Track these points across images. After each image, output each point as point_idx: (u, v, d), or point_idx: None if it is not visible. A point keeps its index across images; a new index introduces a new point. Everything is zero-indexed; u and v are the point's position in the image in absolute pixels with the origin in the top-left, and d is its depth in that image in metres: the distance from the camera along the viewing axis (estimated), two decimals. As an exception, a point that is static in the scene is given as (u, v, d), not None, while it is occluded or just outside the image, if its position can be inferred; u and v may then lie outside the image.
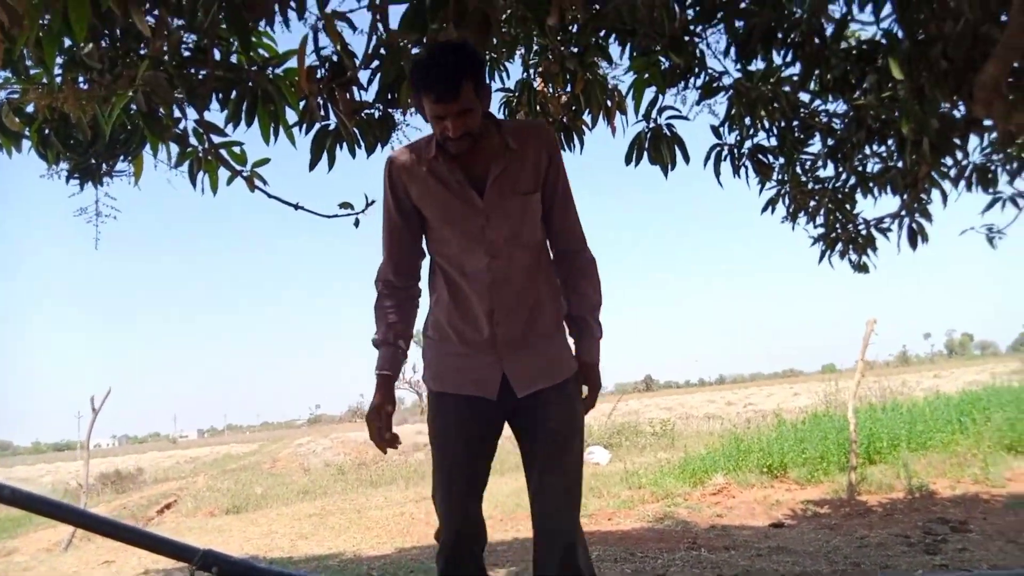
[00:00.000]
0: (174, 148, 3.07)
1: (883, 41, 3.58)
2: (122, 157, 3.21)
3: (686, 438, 15.14)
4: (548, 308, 2.14)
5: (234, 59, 2.91)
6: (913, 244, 4.73)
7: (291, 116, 2.91)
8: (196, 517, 9.90)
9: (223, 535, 4.48)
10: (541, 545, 2.06)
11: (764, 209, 4.89)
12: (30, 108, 2.83)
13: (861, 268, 5.11)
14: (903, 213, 4.72)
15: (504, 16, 3.12)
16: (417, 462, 15.38)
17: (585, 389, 2.20)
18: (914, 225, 4.71)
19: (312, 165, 3.04)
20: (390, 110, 3.09)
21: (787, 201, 4.86)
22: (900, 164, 4.31)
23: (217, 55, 2.81)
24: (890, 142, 4.25)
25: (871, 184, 4.59)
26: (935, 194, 4.44)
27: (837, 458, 8.45)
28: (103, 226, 3.23)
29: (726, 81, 3.83)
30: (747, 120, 3.95)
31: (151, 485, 18.18)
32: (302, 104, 2.89)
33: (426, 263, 2.21)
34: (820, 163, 4.58)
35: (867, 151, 4.42)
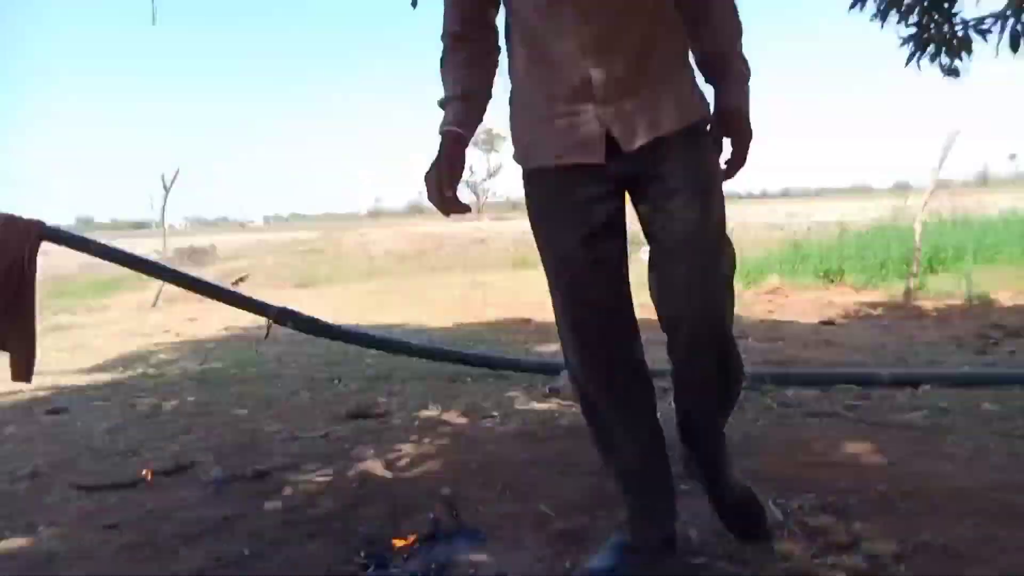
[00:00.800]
0: None
1: None
2: None
3: (743, 244, 15.10)
4: (662, 46, 1.68)
5: None
6: (1015, 47, 4.31)
7: None
8: (267, 289, 10.53)
9: (293, 305, 4.82)
10: (674, 355, 1.77)
11: (852, 6, 4.62)
12: None
13: (951, 72, 4.76)
14: (1008, 13, 4.26)
15: None
16: (478, 253, 15.87)
17: (728, 143, 1.77)
18: (1019, 27, 4.27)
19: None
20: None
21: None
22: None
23: None
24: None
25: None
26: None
27: (898, 266, 8.36)
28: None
29: None
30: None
31: (223, 261, 19.23)
32: None
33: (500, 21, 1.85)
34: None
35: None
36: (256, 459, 2.87)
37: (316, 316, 4.34)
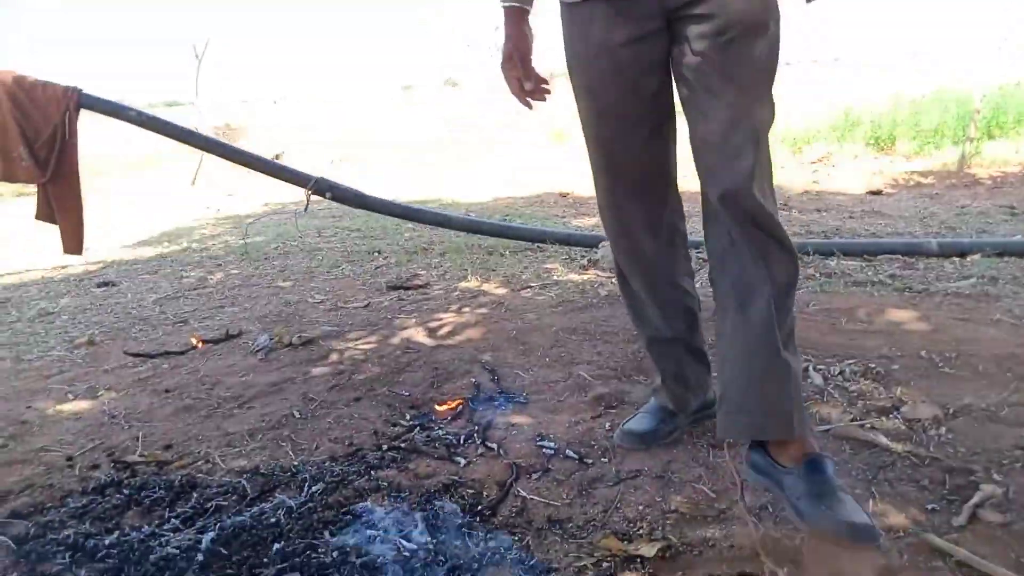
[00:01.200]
0: None
1: None
2: None
3: (787, 107, 14.47)
4: None
5: None
6: None
7: None
8: (304, 164, 10.52)
9: (332, 177, 4.87)
10: (705, 205, 1.59)
11: None
12: None
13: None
14: None
15: None
16: (515, 125, 15.46)
17: None
18: None
19: None
20: None
21: None
22: None
23: None
24: None
25: None
26: None
27: (953, 132, 7.96)
28: None
29: None
30: None
31: (260, 139, 19.12)
32: None
33: None
34: None
35: None
36: (301, 328, 2.95)
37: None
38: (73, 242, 3.28)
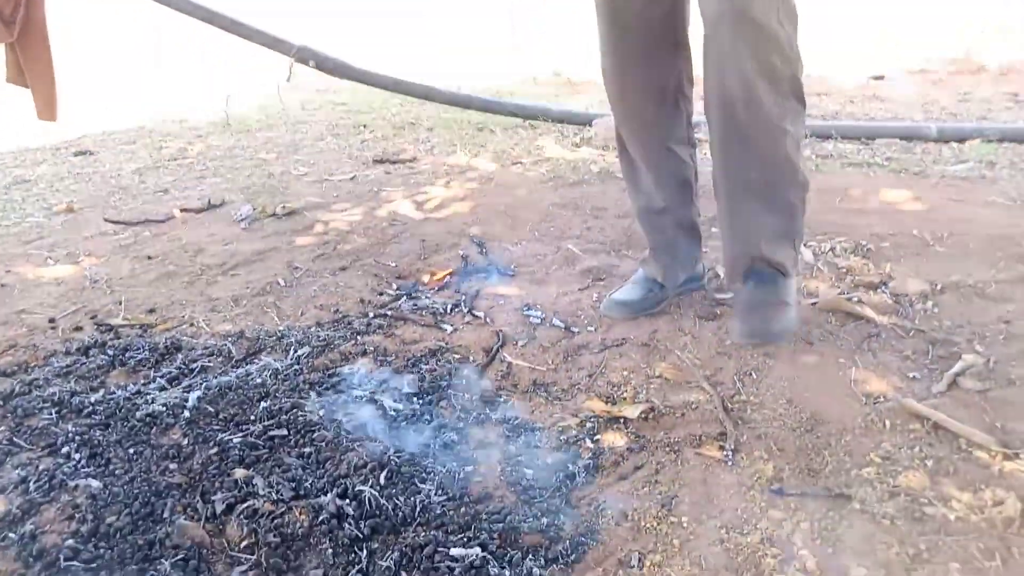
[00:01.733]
0: None
1: None
2: None
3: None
4: None
5: None
6: None
7: None
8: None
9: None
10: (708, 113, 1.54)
11: None
12: None
13: None
14: None
15: None
16: None
17: None
18: None
19: None
20: None
21: None
22: None
23: None
24: None
25: None
26: None
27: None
28: None
29: None
30: None
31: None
32: None
33: None
34: None
35: None
36: (285, 199, 2.88)
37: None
38: (47, 109, 3.14)
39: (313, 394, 1.58)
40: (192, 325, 1.89)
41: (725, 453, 1.41)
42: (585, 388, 1.62)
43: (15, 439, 1.42)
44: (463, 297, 2.05)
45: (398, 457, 1.39)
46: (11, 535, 1.17)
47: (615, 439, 1.46)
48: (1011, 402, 1.49)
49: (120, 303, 2.01)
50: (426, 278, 2.18)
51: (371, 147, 3.86)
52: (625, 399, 1.58)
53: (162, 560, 1.12)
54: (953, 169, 3.09)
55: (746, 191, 1.58)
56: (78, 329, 1.86)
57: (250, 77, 7.14)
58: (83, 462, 1.35)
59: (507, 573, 1.13)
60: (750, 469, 1.37)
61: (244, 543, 1.17)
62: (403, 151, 3.67)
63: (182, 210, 2.76)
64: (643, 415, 1.52)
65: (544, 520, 1.24)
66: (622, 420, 1.51)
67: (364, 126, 4.45)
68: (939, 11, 8.00)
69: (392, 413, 1.52)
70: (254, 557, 1.15)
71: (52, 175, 3.47)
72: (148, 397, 1.55)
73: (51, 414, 1.50)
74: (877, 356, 1.67)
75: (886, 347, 1.71)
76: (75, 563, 1.12)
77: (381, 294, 2.09)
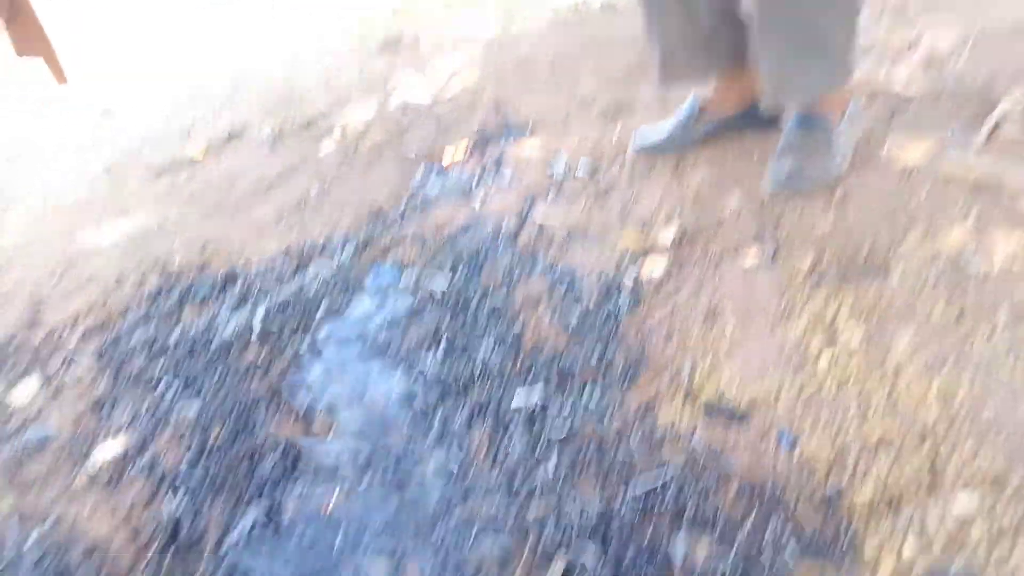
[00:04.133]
0: None
1: None
2: None
3: None
4: None
5: None
6: None
7: None
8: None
9: None
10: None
11: None
12: None
13: None
14: None
15: None
16: None
17: None
18: None
19: None
20: None
21: None
22: None
23: None
24: None
25: None
26: None
27: None
28: None
29: None
30: None
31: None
32: None
33: None
34: None
35: None
36: (301, 110, 2.90)
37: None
38: (58, 71, 3.19)
39: (363, 291, 1.67)
40: (243, 252, 1.99)
41: (763, 257, 1.43)
42: (619, 225, 1.65)
43: (117, 386, 1.57)
44: (488, 164, 2.07)
45: (451, 329, 1.47)
46: (136, 466, 1.34)
47: (653, 267, 1.50)
48: (1052, 140, 1.44)
49: (174, 247, 2.12)
50: (448, 157, 2.20)
51: (372, 37, 3.78)
52: (659, 225, 1.60)
53: (264, 461, 1.26)
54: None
55: (790, 27, 1.44)
56: (145, 280, 1.98)
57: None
58: (179, 393, 1.49)
59: (567, 408, 1.22)
60: (789, 266, 1.40)
61: (331, 433, 1.30)
62: (404, 32, 3.58)
63: (209, 146, 2.82)
64: (678, 238, 1.54)
65: (595, 356, 1.32)
66: (658, 246, 1.54)
67: (363, 17, 4.33)
68: None
69: (439, 291, 1.60)
70: (343, 441, 1.27)
71: (81, 139, 3.57)
72: (220, 326, 1.68)
73: (142, 358, 1.64)
74: (913, 123, 1.62)
75: (921, 112, 1.66)
76: (193, 479, 1.27)
77: (409, 177, 2.12)
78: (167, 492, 1.26)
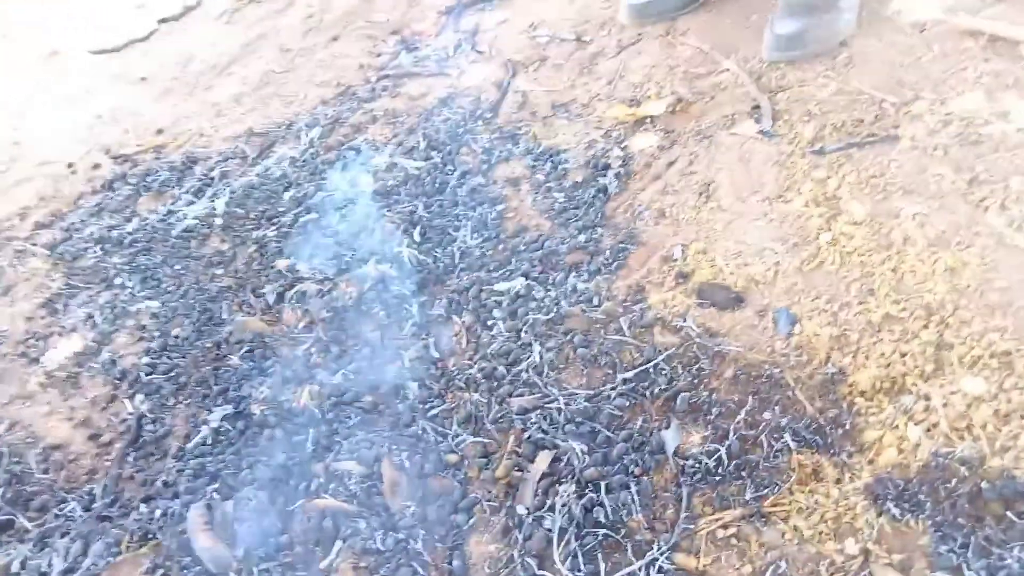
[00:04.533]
0: None
1: None
2: None
3: None
4: None
5: None
6: None
7: None
8: None
9: None
10: None
11: None
12: None
13: None
14: None
15: None
16: None
17: None
18: None
19: None
20: None
21: None
22: None
23: None
24: None
25: None
26: None
27: None
28: None
29: None
30: None
31: None
32: None
33: None
34: None
35: None
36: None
37: None
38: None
39: (333, 173, 1.55)
40: (202, 135, 1.85)
41: (761, 127, 1.33)
42: (606, 97, 1.52)
43: (71, 281, 1.48)
44: (464, 35, 1.90)
45: (428, 212, 1.38)
46: (94, 365, 1.26)
47: (644, 140, 1.39)
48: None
49: (128, 131, 1.97)
50: (422, 26, 2.02)
51: None
52: (649, 97, 1.48)
53: (230, 356, 1.19)
54: None
55: None
56: (97, 167, 1.85)
57: None
58: (137, 287, 1.40)
59: (552, 294, 1.14)
60: (789, 136, 1.29)
61: (301, 324, 1.22)
62: None
63: (161, 21, 2.60)
64: (670, 109, 1.43)
65: (582, 237, 1.23)
66: (649, 119, 1.43)
67: None
68: None
69: (414, 172, 1.48)
70: (313, 334, 1.20)
71: (31, 17, 3.30)
72: (180, 214, 1.56)
73: (96, 251, 1.54)
74: (921, -22, 1.48)
75: (932, -35, 1.51)
76: (156, 375, 1.20)
77: (379, 55, 1.96)
78: (128, 392, 1.20)
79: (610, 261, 1.17)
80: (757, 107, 1.36)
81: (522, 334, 1.10)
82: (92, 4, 3.20)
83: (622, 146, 1.39)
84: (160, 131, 1.92)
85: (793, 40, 1.41)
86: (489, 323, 1.13)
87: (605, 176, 1.33)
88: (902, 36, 1.38)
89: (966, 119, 1.21)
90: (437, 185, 1.44)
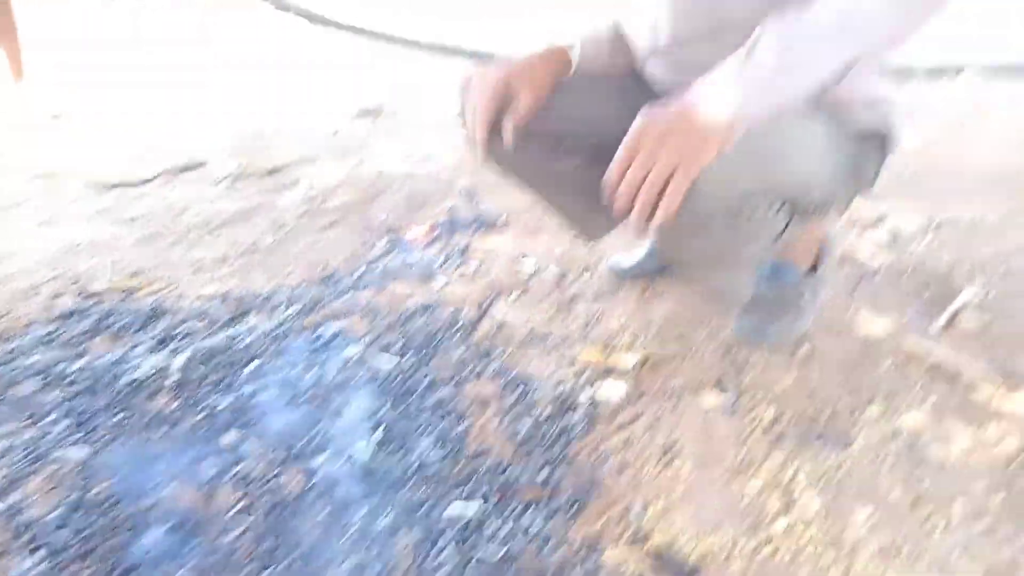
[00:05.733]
0: None
1: None
2: None
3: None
4: None
5: None
6: None
7: None
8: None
9: None
10: None
11: None
12: None
13: None
14: None
15: None
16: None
17: None
18: None
19: None
20: None
21: None
22: None
23: None
24: None
25: None
26: None
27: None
28: None
29: None
30: None
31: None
32: None
33: None
34: None
35: None
36: (269, 156, 2.81)
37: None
38: (16, 66, 3.03)
39: (302, 355, 1.54)
40: (177, 288, 1.84)
41: (725, 399, 1.39)
42: (581, 338, 1.59)
43: (-1, 410, 1.39)
44: (454, 250, 2.00)
45: (392, 415, 1.36)
46: (-2, 507, 1.15)
47: (614, 389, 1.44)
48: (1011, 337, 1.47)
49: (103, 267, 1.95)
50: (416, 232, 2.13)
51: (355, 98, 3.76)
52: (622, 348, 1.55)
53: (152, 528, 1.10)
54: (947, 103, 3.04)
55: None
56: (60, 295, 1.81)
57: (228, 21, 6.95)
58: (68, 431, 1.32)
59: (508, 527, 1.11)
60: (750, 415, 1.35)
61: (236, 508, 1.15)
62: (386, 101, 3.57)
63: (164, 170, 2.68)
64: (641, 363, 1.49)
65: (544, 473, 1.22)
66: (619, 369, 1.49)
67: (348, 78, 4.33)
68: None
69: (385, 370, 1.49)
70: (247, 523, 1.13)
71: (29, 138, 3.37)
72: (133, 363, 1.51)
73: (34, 383, 1.46)
74: (875, 295, 1.64)
75: (884, 286, 1.68)
76: (64, 531, 1.10)
77: (371, 248, 2.04)
78: (28, 546, 1.08)
79: (570, 504, 1.16)
80: (722, 382, 1.43)
81: (468, 567, 1.05)
82: (95, 139, 3.31)
83: (591, 391, 1.43)
84: (135, 274, 1.91)
85: (758, 329, 1.53)
86: (438, 546, 1.08)
87: (573, 415, 1.35)
88: (855, 344, 1.51)
89: (913, 435, 1.29)
90: (406, 388, 1.44)
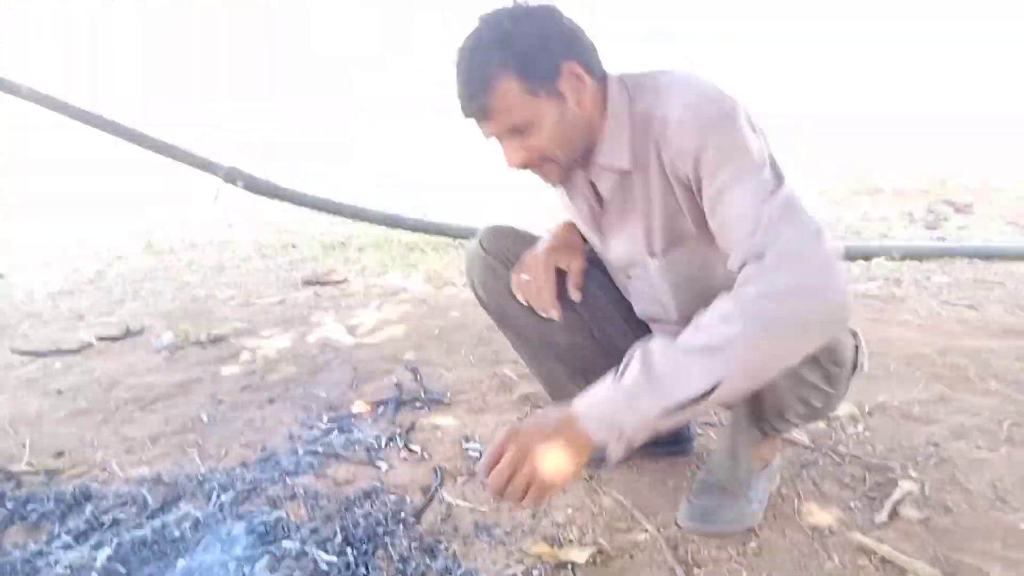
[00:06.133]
0: None
1: None
2: None
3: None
4: None
5: None
6: None
7: None
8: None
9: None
10: None
11: None
12: None
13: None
14: None
15: None
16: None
17: None
18: None
19: None
20: None
21: None
22: None
23: None
24: None
25: None
26: None
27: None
28: None
29: None
30: None
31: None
32: None
33: None
34: None
35: None
36: (210, 325, 2.78)
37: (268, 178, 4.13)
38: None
39: (236, 549, 1.46)
40: (104, 470, 1.75)
41: (676, 597, 1.36)
42: (529, 529, 1.56)
43: None
44: (398, 429, 1.97)
45: (332, 619, 1.28)
46: None
47: (564, 587, 1.39)
48: (951, 531, 1.50)
49: (24, 445, 1.85)
50: (359, 409, 2.10)
51: (299, 268, 3.81)
52: (571, 541, 1.52)
53: None
54: (865, 287, 3.26)
55: None
56: (-27, 478, 1.69)
57: (172, 203, 7.07)
58: (-31, 644, 1.19)
59: None
60: (703, 615, 1.32)
61: None
62: (333, 272, 3.63)
63: (98, 338, 2.62)
64: (591, 559, 1.46)
65: None
66: (569, 565, 1.44)
67: (292, 246, 4.41)
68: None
69: (324, 567, 1.41)
70: None
71: (-45, 300, 3.27)
72: (51, 558, 1.40)
73: (-66, 583, 1.33)
74: (817, 484, 1.67)
75: (825, 474, 1.72)
76: None
77: (311, 428, 1.99)
78: None
79: None
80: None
81: None
82: (31, 299, 3.23)
83: (542, 587, 1.38)
84: (60, 454, 1.81)
85: (706, 516, 1.53)
86: None
87: (523, 619, 1.29)
88: (804, 537, 1.51)
89: (867, 637, 1.27)
90: (346, 587, 1.36)
